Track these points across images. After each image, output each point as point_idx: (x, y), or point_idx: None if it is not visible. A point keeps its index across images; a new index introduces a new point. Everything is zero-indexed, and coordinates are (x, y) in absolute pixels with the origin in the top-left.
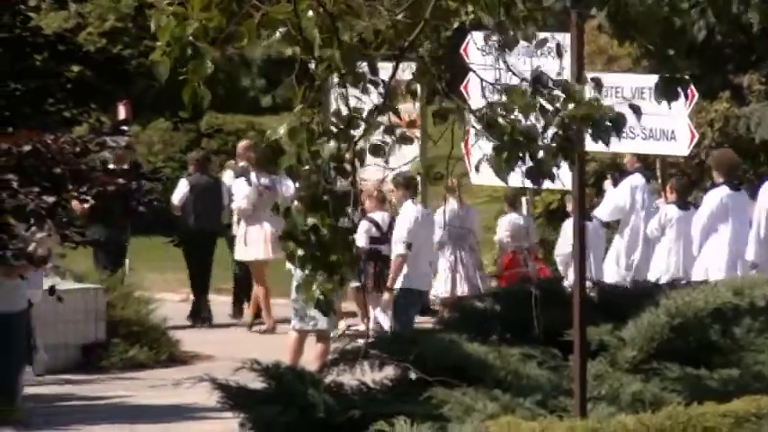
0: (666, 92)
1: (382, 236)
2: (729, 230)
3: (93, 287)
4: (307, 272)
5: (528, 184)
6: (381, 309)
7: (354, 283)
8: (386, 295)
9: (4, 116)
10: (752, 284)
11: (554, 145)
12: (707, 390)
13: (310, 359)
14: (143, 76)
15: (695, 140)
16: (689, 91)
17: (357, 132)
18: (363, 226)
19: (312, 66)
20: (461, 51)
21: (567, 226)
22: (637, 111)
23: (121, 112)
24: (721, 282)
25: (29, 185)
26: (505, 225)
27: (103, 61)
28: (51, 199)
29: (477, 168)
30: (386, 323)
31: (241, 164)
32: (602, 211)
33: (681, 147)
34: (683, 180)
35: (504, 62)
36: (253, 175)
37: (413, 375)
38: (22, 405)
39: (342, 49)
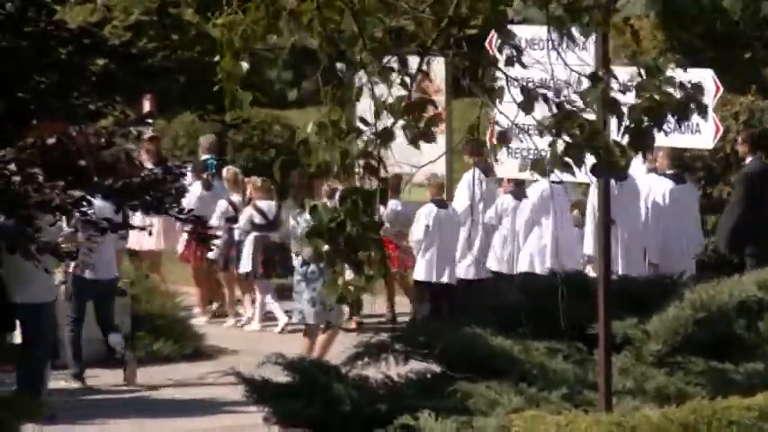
0: None
1: (268, 223)
2: (551, 223)
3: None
4: (334, 269)
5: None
6: (270, 295)
7: (243, 270)
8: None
9: (28, 109)
10: None
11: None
12: (731, 383)
13: (333, 354)
14: (168, 71)
15: (720, 133)
16: (714, 84)
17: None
18: (247, 213)
19: (339, 64)
20: (486, 46)
21: (421, 213)
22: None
23: (146, 106)
24: (746, 275)
25: (53, 179)
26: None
27: (128, 55)
28: (77, 193)
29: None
30: (276, 310)
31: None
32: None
33: (706, 140)
34: None
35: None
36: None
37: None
38: (48, 398)
39: (369, 46)
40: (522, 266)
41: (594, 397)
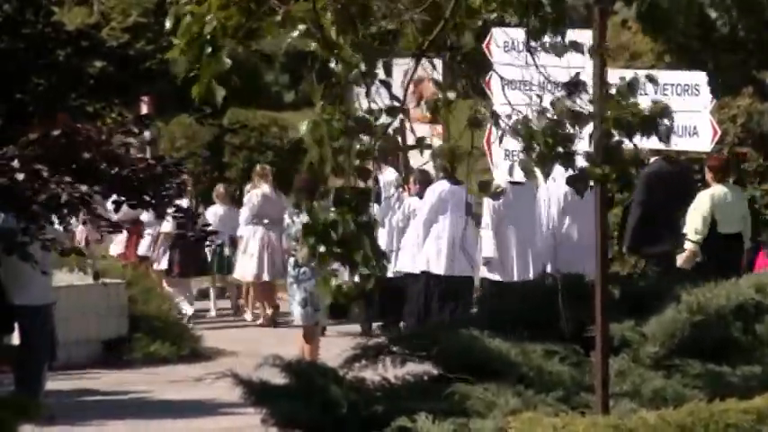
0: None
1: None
2: (448, 223)
3: (115, 282)
4: (327, 268)
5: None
6: (185, 295)
7: (163, 267)
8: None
9: (27, 111)
10: None
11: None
12: (729, 386)
13: (331, 356)
14: (165, 73)
15: (718, 136)
16: (708, 87)
17: (378, 130)
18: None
19: (332, 64)
20: (484, 47)
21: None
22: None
23: (144, 108)
24: (744, 278)
25: (58, 174)
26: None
27: (126, 57)
28: (84, 188)
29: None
30: (187, 309)
31: None
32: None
33: (703, 143)
34: (425, 173)
35: (535, 64)
36: None
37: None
38: (45, 399)
39: (362, 48)
40: (420, 266)
41: (591, 399)
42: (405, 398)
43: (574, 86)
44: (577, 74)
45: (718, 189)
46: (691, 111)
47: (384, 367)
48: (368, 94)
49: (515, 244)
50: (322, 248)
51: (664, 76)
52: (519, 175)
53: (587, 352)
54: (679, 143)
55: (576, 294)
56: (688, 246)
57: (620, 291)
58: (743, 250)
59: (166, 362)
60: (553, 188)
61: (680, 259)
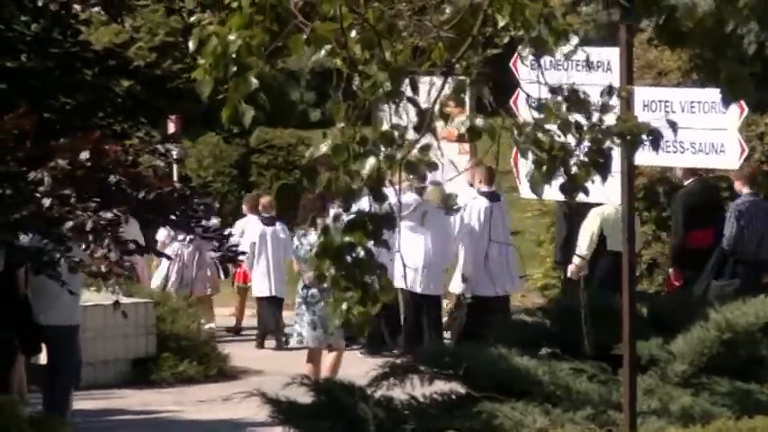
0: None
1: None
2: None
3: (143, 301)
4: (337, 291)
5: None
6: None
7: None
8: None
9: (54, 130)
10: None
11: (587, 160)
12: (757, 404)
13: (355, 374)
14: (192, 92)
15: (745, 154)
16: (738, 104)
17: (399, 152)
18: None
19: (357, 83)
20: (511, 65)
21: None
22: (673, 126)
23: (171, 127)
24: None
25: (85, 198)
26: None
27: (153, 76)
28: (109, 215)
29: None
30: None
31: None
32: None
33: (731, 160)
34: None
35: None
36: None
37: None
38: (72, 420)
39: (388, 68)
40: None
41: (619, 417)
42: (433, 416)
43: (573, 95)
44: (609, 86)
45: (608, 208)
46: (718, 128)
47: (412, 386)
48: (397, 112)
49: (428, 256)
50: (333, 271)
51: (691, 93)
52: (550, 193)
53: (615, 370)
54: (706, 160)
55: (603, 312)
56: (575, 260)
57: (647, 309)
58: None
59: (194, 381)
60: (472, 202)
61: (569, 272)
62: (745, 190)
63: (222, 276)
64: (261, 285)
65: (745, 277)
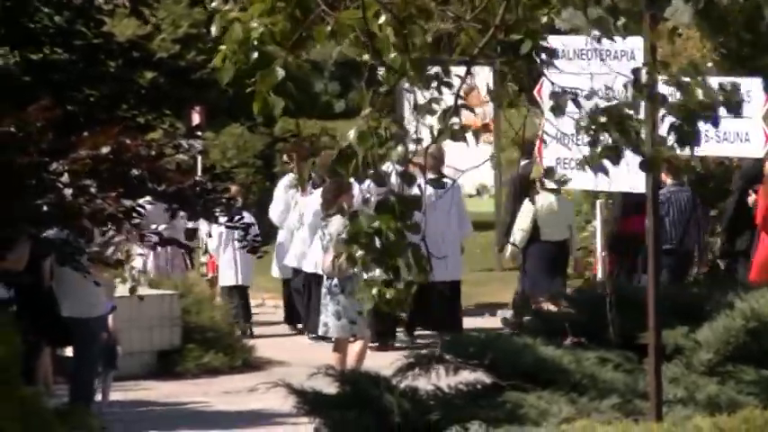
0: None
1: None
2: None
3: (169, 293)
4: (368, 275)
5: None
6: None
7: None
8: None
9: (78, 122)
10: None
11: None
12: None
13: (383, 365)
14: (216, 83)
15: None
16: (764, 93)
17: (426, 136)
18: None
19: (381, 71)
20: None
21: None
22: (714, 121)
23: (195, 118)
24: None
25: (106, 190)
26: None
27: (177, 68)
28: (129, 203)
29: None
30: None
31: None
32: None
33: (755, 149)
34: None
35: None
36: None
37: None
38: (98, 411)
39: (411, 56)
40: (308, 267)
41: (645, 406)
42: (458, 406)
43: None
44: (638, 69)
45: (543, 199)
46: (742, 117)
47: (437, 376)
48: (414, 102)
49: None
50: (362, 254)
51: (714, 82)
52: (572, 182)
53: (640, 359)
54: (731, 149)
55: (628, 301)
56: (509, 248)
57: (673, 297)
58: (565, 256)
59: (219, 372)
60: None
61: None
62: (669, 180)
63: (190, 266)
64: (227, 274)
65: (672, 268)
